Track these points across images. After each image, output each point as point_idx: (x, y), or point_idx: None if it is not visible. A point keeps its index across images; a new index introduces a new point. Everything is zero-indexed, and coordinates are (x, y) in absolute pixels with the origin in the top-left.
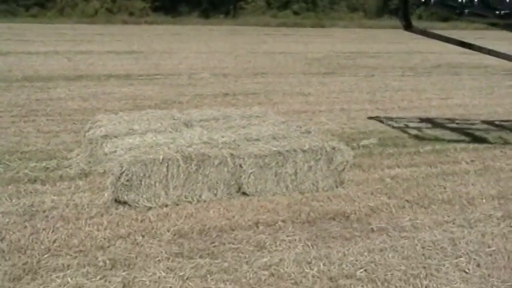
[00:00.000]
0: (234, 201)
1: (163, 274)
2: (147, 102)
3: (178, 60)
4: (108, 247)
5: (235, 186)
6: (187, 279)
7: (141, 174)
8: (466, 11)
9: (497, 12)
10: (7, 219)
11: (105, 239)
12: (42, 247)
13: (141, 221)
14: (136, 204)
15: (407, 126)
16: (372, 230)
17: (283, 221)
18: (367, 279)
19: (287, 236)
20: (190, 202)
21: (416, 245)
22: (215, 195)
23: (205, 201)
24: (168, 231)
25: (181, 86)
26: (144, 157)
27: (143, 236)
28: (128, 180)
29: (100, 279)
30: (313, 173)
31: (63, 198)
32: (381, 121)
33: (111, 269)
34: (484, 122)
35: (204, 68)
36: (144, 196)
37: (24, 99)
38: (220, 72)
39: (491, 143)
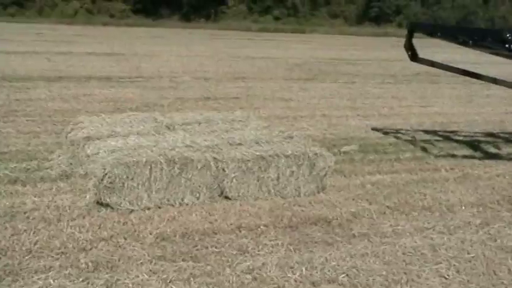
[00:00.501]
0: (216, 205)
1: (146, 277)
2: (128, 105)
3: (160, 63)
4: (91, 249)
5: (218, 190)
6: (170, 282)
7: (124, 177)
8: (471, 41)
9: (506, 45)
10: None
11: (87, 241)
12: (24, 248)
13: (124, 224)
14: (118, 207)
15: (387, 133)
16: (354, 236)
17: (265, 225)
18: (349, 284)
19: (269, 241)
20: (172, 205)
21: (398, 250)
22: (198, 198)
23: (187, 204)
24: (151, 234)
25: (162, 89)
26: (127, 159)
27: (125, 239)
28: (110, 183)
29: (82, 281)
30: (295, 178)
31: (45, 200)
32: (361, 128)
33: (93, 271)
34: (463, 130)
35: (185, 72)
36: (127, 199)
37: (3, 99)
38: (202, 76)
39: (470, 151)
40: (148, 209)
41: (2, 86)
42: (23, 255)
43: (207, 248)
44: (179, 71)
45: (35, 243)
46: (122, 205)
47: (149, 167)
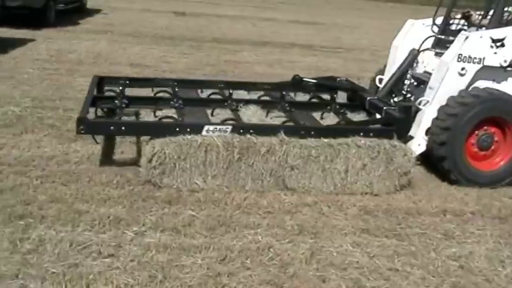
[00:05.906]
0: None
1: (350, 248)
2: (331, 74)
3: (359, 35)
4: (295, 213)
5: None
6: (373, 256)
7: None
8: None
9: None
10: None
11: (292, 204)
12: (234, 203)
13: (328, 192)
14: None
15: None
16: None
17: (471, 212)
18: None
19: (476, 229)
20: None
21: None
22: None
23: None
24: (354, 206)
25: (364, 62)
26: None
27: (329, 207)
28: None
29: (289, 242)
30: None
31: None
32: None
33: (298, 235)
34: None
35: (387, 46)
36: None
37: (214, 60)
38: None
39: None
40: None
41: (213, 48)
42: (233, 209)
43: (410, 227)
44: (380, 44)
45: (244, 200)
46: None
47: None
